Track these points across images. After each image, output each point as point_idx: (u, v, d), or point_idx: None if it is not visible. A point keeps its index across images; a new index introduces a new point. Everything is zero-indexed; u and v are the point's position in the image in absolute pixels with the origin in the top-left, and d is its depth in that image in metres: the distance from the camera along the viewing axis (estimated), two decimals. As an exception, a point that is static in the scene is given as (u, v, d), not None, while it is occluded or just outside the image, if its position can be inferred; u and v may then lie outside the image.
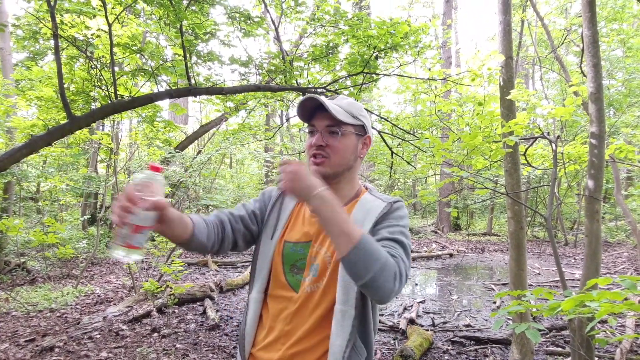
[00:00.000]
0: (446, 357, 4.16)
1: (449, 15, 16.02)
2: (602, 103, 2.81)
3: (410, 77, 4.90)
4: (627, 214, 7.83)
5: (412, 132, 6.00)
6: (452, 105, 5.12)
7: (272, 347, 1.29)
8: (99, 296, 6.23)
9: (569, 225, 14.38)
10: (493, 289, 7.10)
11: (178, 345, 4.34)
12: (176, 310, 5.57)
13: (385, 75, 4.90)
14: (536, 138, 4.13)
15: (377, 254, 1.10)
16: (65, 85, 4.13)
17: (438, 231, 15.59)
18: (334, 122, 1.32)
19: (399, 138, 5.95)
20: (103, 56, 4.56)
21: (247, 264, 9.45)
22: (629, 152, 4.02)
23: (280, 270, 1.35)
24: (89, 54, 4.31)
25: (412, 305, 5.91)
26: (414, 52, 4.57)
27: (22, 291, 6.26)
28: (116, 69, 4.28)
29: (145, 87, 5.28)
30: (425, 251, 11.22)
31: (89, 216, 11.18)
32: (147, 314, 5.22)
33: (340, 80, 4.96)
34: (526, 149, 4.05)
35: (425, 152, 5.06)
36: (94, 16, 4.17)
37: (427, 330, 4.75)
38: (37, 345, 4.18)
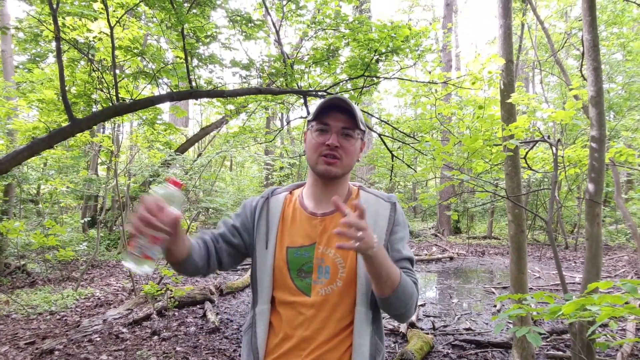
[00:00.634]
0: (446, 361, 4.15)
1: (449, 19, 16.05)
2: (603, 106, 2.82)
3: (411, 80, 4.92)
4: (627, 217, 7.83)
5: (412, 135, 6.01)
6: (452, 109, 5.13)
7: (291, 353, 1.28)
8: (99, 299, 6.22)
9: (570, 229, 14.37)
10: (493, 293, 7.09)
11: (178, 348, 4.34)
12: (176, 313, 5.57)
13: (385, 78, 4.91)
14: (537, 141, 4.13)
15: (411, 291, 1.26)
16: (67, 88, 4.14)
17: (438, 234, 15.58)
18: (350, 125, 1.34)
19: (399, 141, 5.96)
20: (104, 59, 4.57)
21: (247, 266, 9.44)
22: (629, 155, 4.03)
23: (287, 276, 1.34)
24: (90, 56, 4.32)
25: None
26: (414, 55, 4.59)
27: (22, 294, 6.26)
28: (117, 71, 4.29)
29: (147, 90, 5.30)
30: (426, 254, 11.21)
31: (89, 219, 11.18)
32: (147, 317, 5.21)
33: (341, 84, 4.97)
34: (526, 153, 4.05)
35: (425, 155, 5.07)
36: (96, 19, 4.19)
37: (428, 333, 4.74)
38: (37, 348, 4.17)
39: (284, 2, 4.65)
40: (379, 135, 5.64)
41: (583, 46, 2.97)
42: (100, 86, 4.48)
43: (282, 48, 4.88)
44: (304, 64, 4.83)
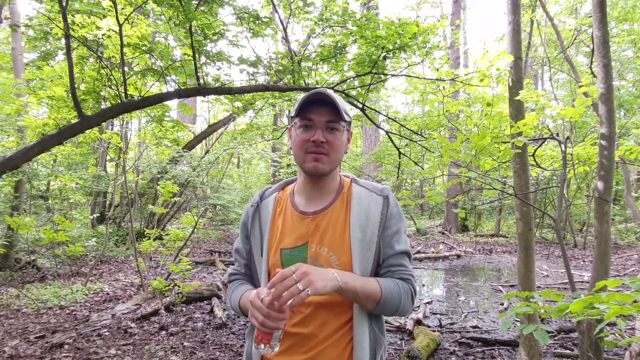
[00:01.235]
0: (453, 358, 4.15)
1: (457, 16, 15.95)
2: (613, 104, 2.79)
3: (419, 78, 4.90)
4: (637, 215, 7.76)
5: (419, 133, 5.99)
6: (460, 106, 5.10)
7: (291, 351, 1.29)
8: (107, 294, 6.28)
9: (578, 227, 14.26)
10: (501, 291, 7.07)
11: (186, 343, 4.37)
12: (184, 309, 5.61)
13: (393, 75, 4.90)
14: (545, 139, 4.10)
15: (397, 296, 1.29)
16: (76, 85, 4.17)
17: (445, 232, 15.53)
18: (334, 118, 1.31)
19: (406, 138, 5.94)
20: (113, 56, 4.60)
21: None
22: (639, 153, 3.99)
23: None
24: (99, 54, 4.35)
25: (419, 306, 5.90)
26: (422, 52, 4.56)
27: (32, 288, 6.34)
28: (126, 69, 4.32)
29: (155, 87, 5.32)
30: (433, 252, 11.19)
31: (98, 215, 11.29)
32: (155, 312, 5.26)
33: (348, 81, 4.96)
34: (535, 150, 4.02)
35: (433, 152, 5.05)
36: (105, 17, 4.21)
37: (434, 331, 4.74)
38: (46, 342, 4.23)
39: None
40: (387, 132, 5.62)
41: (593, 43, 2.94)
42: (109, 83, 4.51)
43: (289, 45, 4.88)
44: (311, 61, 4.83)
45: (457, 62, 15.65)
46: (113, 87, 4.42)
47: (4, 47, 10.17)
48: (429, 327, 4.98)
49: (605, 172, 2.78)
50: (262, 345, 1.14)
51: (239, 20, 4.42)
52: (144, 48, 4.34)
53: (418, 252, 11.25)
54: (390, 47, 4.35)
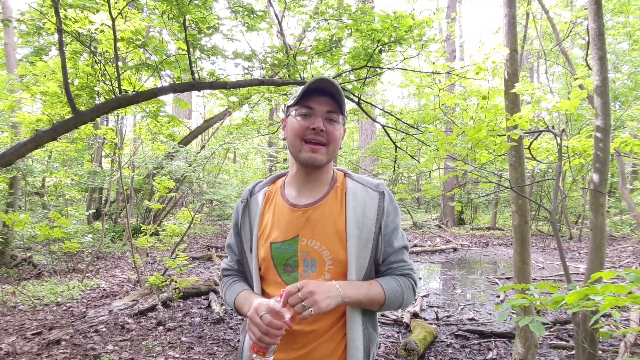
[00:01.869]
0: (450, 351, 4.17)
1: (453, 9, 15.91)
2: (608, 96, 2.79)
3: (414, 71, 4.88)
4: (632, 207, 7.80)
5: (416, 126, 5.98)
6: (456, 99, 5.10)
7: (284, 347, 1.27)
8: (104, 290, 6.27)
9: (574, 220, 14.34)
10: (497, 283, 7.10)
11: (183, 339, 4.38)
12: (181, 304, 5.61)
13: (389, 69, 4.88)
14: (541, 132, 4.11)
15: (399, 294, 1.32)
16: (70, 80, 4.14)
17: (442, 225, 15.58)
18: (334, 109, 1.28)
19: (402, 132, 5.93)
20: (107, 51, 4.56)
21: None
22: (634, 145, 3.99)
23: (274, 273, 1.33)
24: (92, 48, 4.32)
25: (416, 299, 5.93)
26: (418, 45, 4.55)
27: (29, 285, 6.32)
28: (120, 63, 4.28)
29: (149, 82, 5.29)
30: (429, 245, 11.23)
31: (94, 211, 11.24)
32: (153, 308, 5.26)
33: (344, 75, 4.94)
34: (531, 143, 4.03)
35: (429, 146, 5.06)
36: (98, 11, 4.17)
37: (431, 324, 4.76)
38: (43, 339, 4.22)
39: (286, -7, 4.62)
40: (383, 126, 5.62)
41: (588, 35, 2.94)
42: (103, 78, 4.48)
43: (284, 39, 4.85)
44: (307, 54, 4.80)
45: (452, 55, 15.62)
46: (107, 82, 4.39)
47: (-3, 42, 10.06)
48: (425, 320, 5.01)
49: (601, 165, 2.78)
50: (256, 356, 1.17)
51: (233, 14, 4.38)
52: (137, 43, 4.30)
53: (415, 245, 11.28)
54: (386, 41, 4.33)
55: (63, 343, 4.15)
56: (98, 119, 6.89)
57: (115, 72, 3.81)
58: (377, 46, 4.39)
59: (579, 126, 11.31)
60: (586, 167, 10.85)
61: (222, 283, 1.52)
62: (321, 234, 1.30)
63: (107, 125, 10.22)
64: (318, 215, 1.32)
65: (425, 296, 6.22)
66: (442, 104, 4.94)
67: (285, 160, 14.69)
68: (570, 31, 9.35)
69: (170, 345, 4.21)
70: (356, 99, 4.88)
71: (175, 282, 5.75)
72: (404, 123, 5.65)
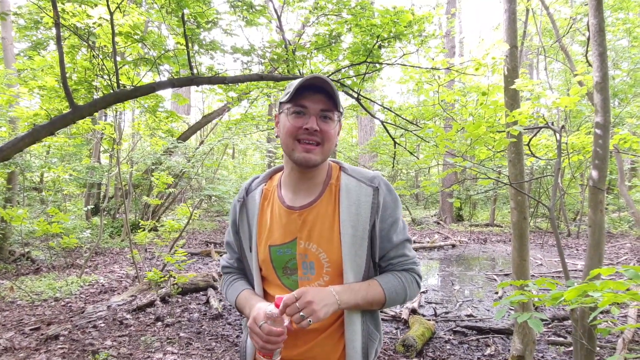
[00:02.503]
0: (448, 347, 4.18)
1: (453, 4, 15.86)
2: (608, 93, 2.78)
3: (414, 67, 4.87)
4: (630, 205, 7.81)
5: (415, 122, 5.97)
6: (455, 95, 5.08)
7: (286, 344, 1.26)
8: (103, 285, 6.27)
9: (572, 216, 14.36)
10: (495, 280, 7.12)
11: (182, 334, 4.38)
12: (179, 300, 5.61)
13: (388, 64, 4.87)
14: (540, 128, 4.10)
15: (401, 291, 1.31)
16: (68, 75, 4.12)
17: (440, 222, 15.59)
18: (329, 107, 1.24)
19: (402, 128, 5.93)
20: (105, 45, 4.54)
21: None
22: (633, 142, 3.99)
23: (274, 275, 1.32)
24: (90, 43, 4.29)
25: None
26: (417, 41, 4.54)
27: (27, 280, 6.31)
28: (118, 58, 4.26)
29: (148, 77, 5.27)
30: (428, 242, 11.24)
31: (92, 206, 11.23)
32: (151, 303, 5.26)
33: (343, 70, 4.93)
34: (530, 139, 4.02)
35: (428, 142, 5.05)
36: (96, 5, 4.14)
37: (429, 320, 4.77)
38: (42, 334, 4.22)
39: (286, -13, 4.60)
40: (382, 122, 5.61)
41: (589, 31, 2.92)
42: (101, 73, 4.46)
43: (283, 34, 4.83)
44: (306, 50, 4.79)
45: (452, 51, 15.59)
46: (105, 77, 4.37)
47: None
48: (424, 316, 5.01)
49: (600, 161, 2.78)
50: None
51: (232, 8, 4.37)
52: (136, 37, 4.28)
53: (413, 242, 11.29)
54: (386, 36, 4.32)
55: (61, 338, 4.15)
56: (96, 114, 6.87)
57: (114, 67, 3.79)
58: (377, 42, 4.37)
59: (578, 123, 11.31)
60: (585, 163, 10.86)
61: (222, 280, 1.51)
62: (317, 236, 1.27)
63: (105, 120, 10.19)
64: (314, 217, 1.29)
65: (423, 292, 6.23)
66: (442, 100, 4.92)
67: (284, 156, 14.69)
68: (570, 27, 9.33)
69: (168, 340, 4.21)
70: (355, 95, 4.87)
71: (174, 277, 5.74)
72: (403, 119, 5.64)
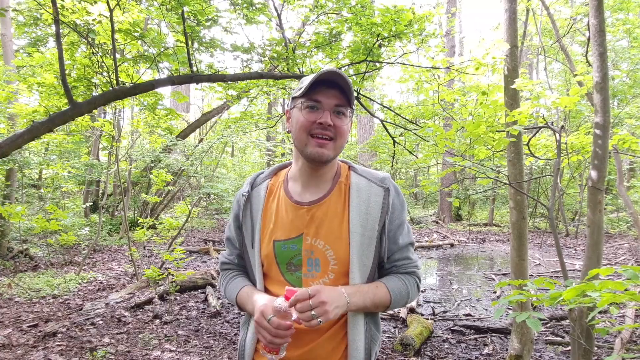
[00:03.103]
0: (446, 346, 4.18)
1: (453, 4, 15.86)
2: (608, 93, 2.78)
3: (414, 66, 4.86)
4: (629, 205, 7.82)
5: (414, 122, 5.97)
6: (455, 95, 5.08)
7: (288, 345, 1.24)
8: (101, 283, 6.27)
9: (571, 216, 14.38)
10: (493, 279, 7.12)
11: (180, 332, 4.38)
12: (178, 298, 5.61)
13: (388, 63, 4.86)
14: (540, 128, 4.10)
15: (404, 293, 1.31)
16: (67, 72, 4.10)
17: (439, 221, 15.60)
18: (343, 102, 1.23)
19: (401, 127, 5.93)
20: (104, 42, 4.53)
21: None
22: (632, 143, 3.99)
23: (277, 271, 1.30)
24: (90, 40, 4.28)
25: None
26: (417, 40, 4.53)
27: (25, 277, 6.30)
28: (118, 55, 4.25)
29: (147, 74, 5.26)
30: (427, 241, 11.25)
31: (91, 204, 11.22)
32: (149, 301, 5.26)
33: (343, 69, 4.92)
34: (529, 139, 4.02)
35: (427, 141, 5.05)
36: (95, 2, 4.13)
37: (428, 319, 4.78)
38: (40, 331, 4.22)
39: (286, -15, 4.59)
40: (381, 121, 5.60)
41: (589, 31, 2.92)
42: (101, 70, 4.45)
43: (283, 32, 4.82)
44: (306, 48, 4.78)
45: (452, 50, 15.59)
46: (104, 74, 4.36)
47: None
48: (422, 315, 5.02)
49: (599, 162, 2.78)
50: (270, 356, 1.18)
51: (232, 6, 4.36)
52: (135, 34, 4.27)
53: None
54: (386, 35, 4.31)
55: (59, 335, 4.15)
56: (95, 111, 6.86)
57: (113, 64, 3.78)
58: (377, 40, 4.37)
59: (577, 123, 11.33)
60: (584, 164, 10.87)
61: (221, 277, 1.48)
62: (325, 233, 1.26)
63: (104, 117, 10.18)
64: (322, 213, 1.28)
65: (422, 291, 6.24)
66: (441, 100, 4.92)
67: (283, 154, 14.67)
68: (570, 27, 9.33)
69: (166, 338, 4.21)
70: (355, 94, 4.86)
71: (172, 275, 5.74)
72: (403, 118, 5.63)
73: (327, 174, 1.32)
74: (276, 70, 4.94)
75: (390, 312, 5.06)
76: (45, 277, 6.30)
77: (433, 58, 4.72)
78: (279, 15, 4.86)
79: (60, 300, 5.35)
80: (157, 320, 4.69)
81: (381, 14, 4.13)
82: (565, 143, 4.11)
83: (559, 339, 4.27)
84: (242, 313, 1.39)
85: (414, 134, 5.44)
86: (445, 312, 5.30)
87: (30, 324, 4.43)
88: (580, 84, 4.31)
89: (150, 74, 5.37)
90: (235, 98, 5.85)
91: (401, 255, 1.32)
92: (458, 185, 15.23)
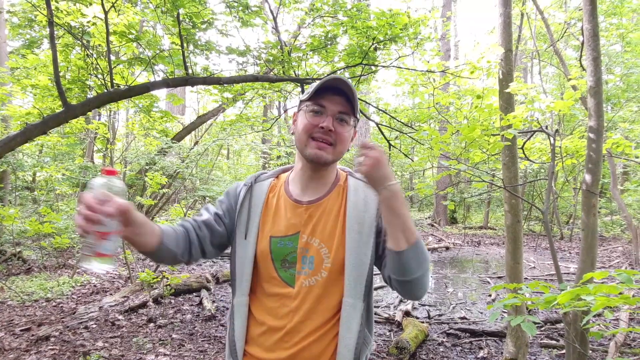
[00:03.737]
0: (441, 349, 4.18)
1: (448, 8, 15.94)
2: (601, 97, 2.80)
3: (409, 69, 4.88)
4: (622, 208, 7.86)
5: (410, 125, 5.98)
6: (450, 98, 5.10)
7: (275, 346, 1.24)
8: (95, 286, 6.22)
9: (565, 220, 14.45)
10: (489, 282, 7.14)
11: (174, 335, 4.35)
12: (172, 301, 5.58)
13: (383, 67, 4.88)
14: (535, 132, 4.12)
15: (427, 255, 1.18)
16: (61, 74, 4.09)
17: (435, 224, 15.63)
18: (346, 110, 1.27)
19: (396, 130, 5.94)
20: (99, 44, 4.52)
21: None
22: (626, 147, 4.02)
23: (271, 267, 1.29)
24: (84, 42, 4.27)
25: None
26: (413, 44, 4.54)
27: (18, 280, 6.25)
28: (112, 57, 4.23)
29: (142, 77, 5.24)
30: (422, 244, 11.25)
31: (85, 206, 11.11)
32: (143, 304, 5.22)
33: (339, 72, 4.93)
34: (524, 143, 4.04)
35: (423, 144, 5.06)
36: (90, 4, 4.12)
37: (423, 322, 4.77)
38: (32, 335, 4.18)
39: (282, -12, 4.60)
40: (377, 124, 5.61)
41: (583, 36, 2.94)
42: (95, 72, 4.43)
43: (279, 35, 4.82)
44: (302, 51, 4.78)
45: (447, 54, 15.66)
46: (99, 76, 4.34)
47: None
48: (417, 318, 5.02)
49: (593, 165, 2.79)
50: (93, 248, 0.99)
51: (228, 9, 4.35)
52: (130, 36, 4.26)
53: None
54: (381, 38, 4.33)
55: (52, 339, 4.11)
56: (90, 113, 6.83)
57: (108, 66, 3.76)
58: (373, 44, 4.38)
59: (571, 127, 11.39)
60: (578, 167, 10.93)
61: None
62: (321, 231, 1.28)
63: (99, 119, 10.13)
64: (320, 212, 1.30)
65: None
66: (437, 103, 4.94)
67: (278, 157, 14.66)
68: (565, 32, 9.40)
69: (161, 342, 4.18)
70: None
71: (167, 278, 5.71)
72: (398, 121, 5.64)
73: (327, 177, 1.35)
74: (272, 73, 4.94)
75: (386, 315, 5.05)
76: (39, 280, 6.25)
77: (428, 61, 4.74)
78: (274, 18, 4.86)
79: (54, 304, 5.30)
80: (152, 324, 4.66)
81: (377, 18, 4.14)
82: (560, 147, 4.13)
83: (553, 342, 4.28)
84: (230, 309, 1.35)
85: (410, 137, 5.45)
86: (440, 315, 5.30)
87: (23, 328, 4.39)
88: (574, 88, 4.33)
89: (145, 76, 5.36)
90: (230, 101, 5.84)
91: None
92: (453, 188, 15.27)
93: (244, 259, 1.31)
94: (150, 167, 10.22)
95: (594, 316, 3.60)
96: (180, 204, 10.34)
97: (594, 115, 2.79)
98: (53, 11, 3.41)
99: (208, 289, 6.07)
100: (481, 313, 5.40)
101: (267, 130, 9.13)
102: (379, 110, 5.85)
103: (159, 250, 1.20)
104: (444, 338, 4.48)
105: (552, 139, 3.34)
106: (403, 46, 4.63)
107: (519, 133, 3.45)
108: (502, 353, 3.94)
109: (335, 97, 1.25)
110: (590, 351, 3.83)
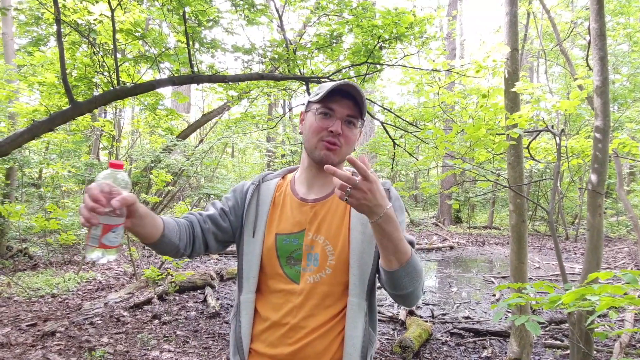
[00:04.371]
0: (445, 349, 4.18)
1: (454, 6, 15.88)
2: (608, 97, 2.79)
3: (414, 68, 4.87)
4: (628, 209, 7.81)
5: (415, 124, 5.97)
6: (455, 97, 5.09)
7: (279, 342, 1.25)
8: (100, 282, 6.26)
9: (570, 220, 14.37)
10: (493, 282, 7.12)
11: (178, 332, 4.37)
12: (177, 298, 5.60)
13: (389, 65, 4.87)
14: (540, 131, 4.10)
15: (420, 271, 1.18)
16: (68, 71, 4.11)
17: (439, 223, 15.60)
18: (355, 113, 1.30)
19: (401, 129, 5.93)
20: (106, 42, 4.53)
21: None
22: (632, 147, 4.00)
23: (277, 264, 1.31)
24: (91, 39, 4.28)
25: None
26: (418, 42, 4.53)
27: (24, 276, 6.30)
28: (119, 55, 4.25)
29: (148, 75, 5.26)
30: (426, 243, 11.24)
31: (90, 203, 11.16)
32: (148, 301, 5.25)
33: (344, 70, 4.93)
34: (529, 142, 4.02)
35: (427, 143, 5.05)
36: (97, 2, 4.13)
37: (427, 321, 4.77)
38: (38, 330, 4.21)
39: (288, -13, 4.60)
40: (382, 123, 5.61)
41: (590, 35, 2.93)
42: (101, 70, 4.45)
43: (284, 33, 4.83)
44: (307, 50, 4.78)
45: (453, 53, 15.60)
46: (105, 74, 4.36)
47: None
48: (421, 317, 5.01)
49: (599, 165, 2.78)
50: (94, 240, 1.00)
51: (234, 7, 4.36)
52: (137, 34, 4.27)
53: (411, 243, 11.30)
54: (387, 37, 4.32)
55: (58, 335, 4.15)
56: (96, 111, 6.87)
57: (114, 64, 3.78)
58: (378, 42, 4.37)
59: (577, 127, 11.33)
60: (584, 167, 10.87)
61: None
62: (326, 229, 1.30)
63: (105, 117, 10.18)
64: (325, 210, 1.33)
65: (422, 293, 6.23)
66: (442, 102, 4.92)
67: (283, 155, 14.67)
68: (571, 31, 9.34)
69: (165, 338, 4.20)
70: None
71: (172, 275, 5.74)
72: (403, 120, 5.64)
73: (332, 176, 1.35)
74: (277, 71, 4.94)
75: (389, 314, 5.05)
76: (45, 277, 6.30)
77: (434, 60, 4.72)
78: (280, 17, 4.87)
79: (59, 300, 5.34)
80: (156, 321, 4.69)
81: (382, 16, 4.13)
82: (566, 146, 4.11)
83: (558, 342, 4.26)
84: (234, 306, 1.35)
85: (414, 136, 5.44)
86: (444, 314, 5.30)
87: (29, 323, 4.42)
88: (580, 87, 4.31)
89: (151, 74, 5.37)
90: (235, 99, 5.85)
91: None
92: (458, 187, 15.23)
93: (251, 256, 1.33)
94: (156, 164, 10.26)
95: (599, 317, 3.58)
96: (185, 202, 10.37)
97: (600, 115, 2.78)
98: (60, 9, 3.43)
99: (212, 287, 6.09)
100: (485, 313, 5.39)
101: (272, 128, 9.13)
102: (384, 109, 5.85)
103: (161, 242, 1.22)
104: (447, 337, 4.48)
105: (557, 138, 3.33)
106: (408, 45, 4.63)
107: (524, 132, 3.44)
108: (506, 353, 3.94)
109: (344, 100, 1.28)
110: (595, 352, 3.82)
